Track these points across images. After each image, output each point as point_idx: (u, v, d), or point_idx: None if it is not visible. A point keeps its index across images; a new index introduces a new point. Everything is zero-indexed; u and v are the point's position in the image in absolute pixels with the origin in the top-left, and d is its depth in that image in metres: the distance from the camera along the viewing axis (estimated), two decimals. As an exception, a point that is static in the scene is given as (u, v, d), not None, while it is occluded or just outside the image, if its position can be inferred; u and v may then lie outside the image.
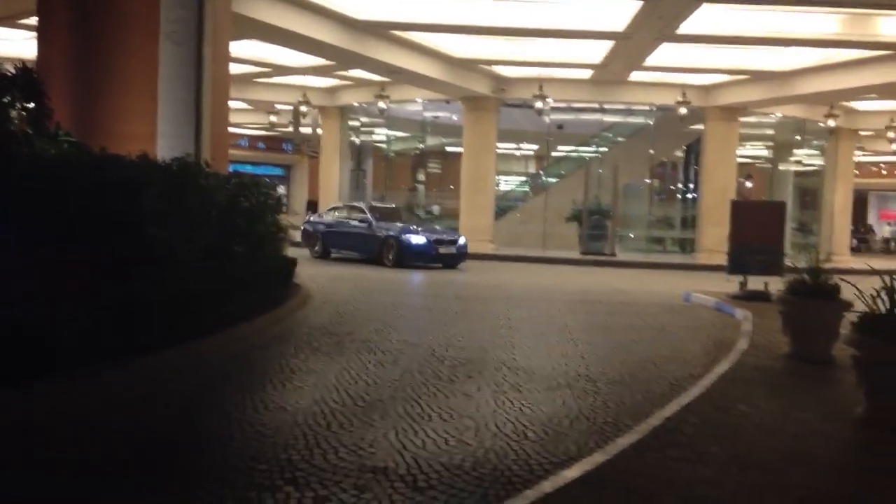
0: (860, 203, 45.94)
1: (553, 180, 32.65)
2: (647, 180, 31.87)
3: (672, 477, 5.13)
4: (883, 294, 6.86)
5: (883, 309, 6.83)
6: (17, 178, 6.40)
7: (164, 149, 10.88)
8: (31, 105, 8.07)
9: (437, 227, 23.08)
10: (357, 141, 33.61)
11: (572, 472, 5.11)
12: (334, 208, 24.07)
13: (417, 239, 20.72)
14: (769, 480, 5.17)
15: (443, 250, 20.83)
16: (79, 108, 10.87)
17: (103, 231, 7.13)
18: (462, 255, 21.48)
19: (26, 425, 5.69)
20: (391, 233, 20.87)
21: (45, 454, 5.21)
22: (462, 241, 21.78)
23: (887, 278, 6.86)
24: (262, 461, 5.18)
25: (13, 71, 8.05)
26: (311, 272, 16.09)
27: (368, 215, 21.88)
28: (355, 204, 23.67)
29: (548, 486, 4.86)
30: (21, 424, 5.67)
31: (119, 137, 10.05)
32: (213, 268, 8.86)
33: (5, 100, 7.71)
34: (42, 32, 12.05)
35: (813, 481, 5.21)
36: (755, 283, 14.49)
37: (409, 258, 20.34)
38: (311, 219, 24.39)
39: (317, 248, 23.03)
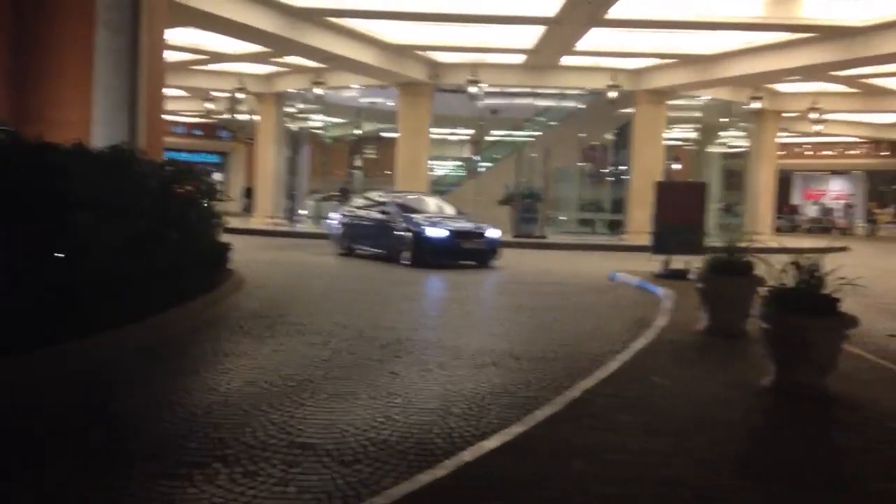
0: (785, 183, 47.34)
1: (487, 164, 33.01)
2: (579, 164, 32.42)
3: (583, 444, 5.46)
4: (790, 269, 7.29)
5: (791, 284, 7.26)
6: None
7: (100, 136, 10.87)
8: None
9: (461, 218, 19.22)
10: (294, 128, 33.50)
11: (491, 443, 5.40)
12: (358, 199, 21.68)
13: (436, 232, 17.47)
14: (675, 445, 5.53)
15: (467, 245, 17.65)
16: (13, 96, 10.81)
17: (29, 216, 7.18)
18: (491, 249, 18.04)
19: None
20: (405, 225, 17.83)
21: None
22: (492, 233, 18.24)
23: (797, 256, 7.29)
24: (193, 440, 5.36)
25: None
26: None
27: (387, 206, 19.05)
28: (376, 195, 20.93)
29: (467, 455, 5.14)
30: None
31: (54, 125, 10.04)
32: (143, 253, 8.93)
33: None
34: (-25, 20, 11.89)
35: (716, 445, 5.59)
36: (679, 262, 15.01)
37: (428, 255, 17.16)
38: (336, 212, 21.74)
39: (342, 244, 20.35)
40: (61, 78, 11.37)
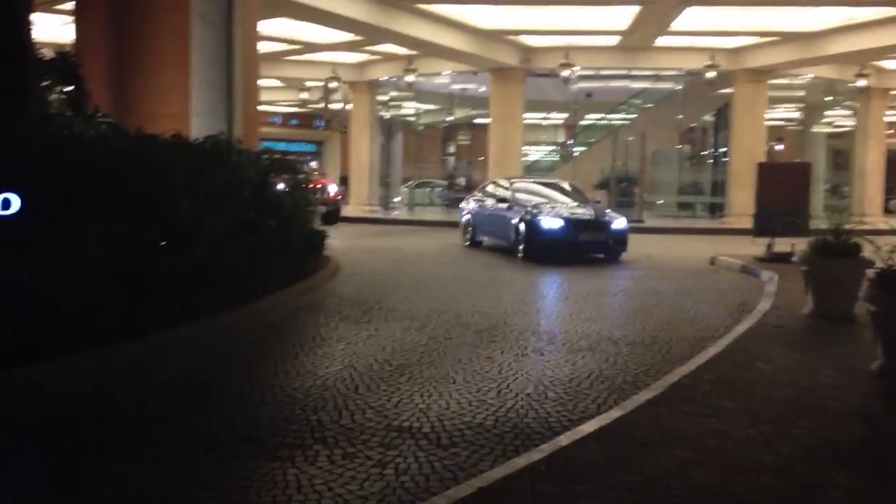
0: (894, 164, 45.28)
1: (581, 149, 32.62)
2: (677, 146, 31.72)
3: (683, 429, 5.35)
4: (899, 250, 6.97)
5: (899, 265, 6.94)
6: (57, 158, 6.69)
7: (198, 127, 11.19)
8: (69, 88, 8.41)
9: (587, 205, 16.79)
10: (386, 115, 33.79)
11: (588, 427, 5.34)
12: (487, 185, 19.92)
13: (550, 222, 15.27)
14: (779, 431, 5.36)
15: (586, 237, 15.33)
16: (115, 90, 11.23)
17: (135, 208, 7.45)
18: (620, 241, 15.68)
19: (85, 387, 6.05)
20: (520, 215, 15.83)
21: (97, 411, 5.56)
22: (619, 223, 15.78)
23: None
24: (293, 422, 5.48)
25: (52, 56, 8.40)
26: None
27: (509, 193, 17.34)
28: (506, 181, 19.04)
29: (564, 439, 5.10)
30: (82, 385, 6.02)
31: (154, 117, 10.38)
32: (243, 241, 9.17)
33: (44, 84, 8.05)
34: (79, 17, 12.40)
35: (823, 431, 5.38)
36: (783, 245, 14.53)
37: (540, 248, 15.19)
38: (466, 200, 20.24)
39: (467, 235, 18.70)
40: (159, 71, 11.74)
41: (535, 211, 15.63)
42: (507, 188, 17.83)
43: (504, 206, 16.81)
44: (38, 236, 6.31)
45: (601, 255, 15.62)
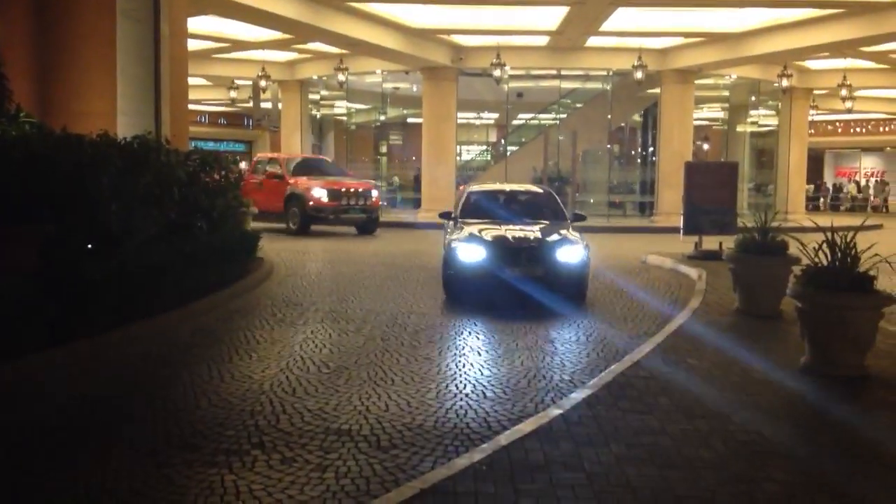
0: (817, 162, 46.69)
1: (513, 148, 32.85)
2: (607, 146, 32.17)
3: (621, 427, 5.42)
4: (825, 248, 7.16)
5: (825, 262, 7.13)
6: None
7: (125, 126, 10.92)
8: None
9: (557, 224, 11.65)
10: (317, 114, 33.51)
11: (527, 427, 5.37)
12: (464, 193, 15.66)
13: (466, 252, 10.26)
14: (714, 427, 5.47)
15: (517, 271, 10.11)
16: (39, 89, 10.89)
17: (61, 210, 7.23)
18: (572, 278, 10.38)
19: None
20: (449, 237, 11.05)
21: (25, 422, 5.37)
22: (569, 252, 10.30)
23: (831, 234, 7.15)
24: (230, 427, 5.38)
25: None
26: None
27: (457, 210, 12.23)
28: (473, 188, 14.16)
29: (503, 439, 5.11)
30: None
31: (80, 116, 10.10)
32: (173, 243, 8.97)
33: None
34: (0, 13, 11.96)
35: (756, 426, 5.51)
36: (711, 243, 14.85)
37: (454, 285, 10.73)
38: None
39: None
40: (85, 69, 11.43)
41: (457, 235, 10.69)
42: (464, 201, 12.33)
43: (449, 222, 11.90)
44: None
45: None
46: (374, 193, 21.30)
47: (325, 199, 19.88)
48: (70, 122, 8.55)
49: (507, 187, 13.53)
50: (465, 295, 10.33)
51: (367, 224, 21.15)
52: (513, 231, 10.63)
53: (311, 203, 19.85)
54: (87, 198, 7.54)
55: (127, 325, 7.64)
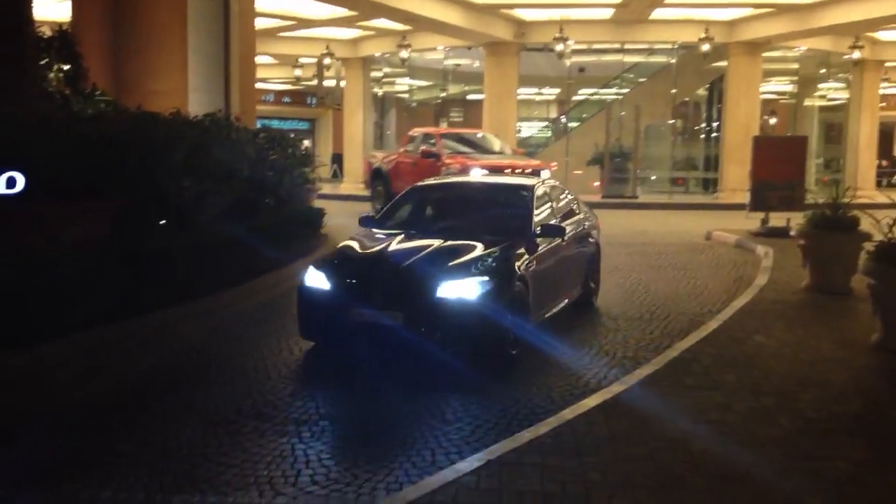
0: (887, 136, 45.28)
1: (574, 124, 32.55)
2: (670, 121, 31.69)
3: (686, 403, 5.40)
4: (898, 224, 7.01)
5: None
6: (58, 137, 6.66)
7: (196, 104, 11.13)
8: (67, 66, 8.37)
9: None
10: (379, 92, 33.64)
11: (591, 401, 5.39)
12: None
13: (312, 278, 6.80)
14: (781, 404, 5.42)
15: (364, 314, 6.48)
16: (113, 67, 11.16)
17: (134, 186, 7.42)
18: (455, 330, 6.35)
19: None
20: None
21: (103, 390, 5.59)
22: (453, 286, 6.36)
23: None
24: (299, 398, 5.52)
25: (50, 34, 8.34)
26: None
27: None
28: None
29: (568, 413, 5.15)
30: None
31: (152, 94, 10.35)
32: (242, 219, 9.16)
33: (42, 62, 8.00)
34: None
35: (824, 404, 5.45)
36: (778, 219, 14.58)
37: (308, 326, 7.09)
38: None
39: None
40: (158, 47, 11.65)
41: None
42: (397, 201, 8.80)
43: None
44: (41, 215, 6.29)
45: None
46: (545, 174, 17.21)
47: None
48: (143, 100, 8.77)
49: (469, 182, 9.94)
50: (329, 343, 6.75)
51: None
52: (406, 246, 7.03)
53: None
54: (160, 174, 7.73)
55: (196, 299, 7.83)
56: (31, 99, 7.23)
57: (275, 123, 40.23)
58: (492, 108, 26.89)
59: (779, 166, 14.65)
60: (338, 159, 34.64)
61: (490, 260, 6.59)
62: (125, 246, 7.05)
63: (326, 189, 23.24)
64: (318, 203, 14.83)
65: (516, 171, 16.86)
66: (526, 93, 33.48)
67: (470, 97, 36.03)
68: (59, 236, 6.31)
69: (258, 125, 15.11)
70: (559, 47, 24.33)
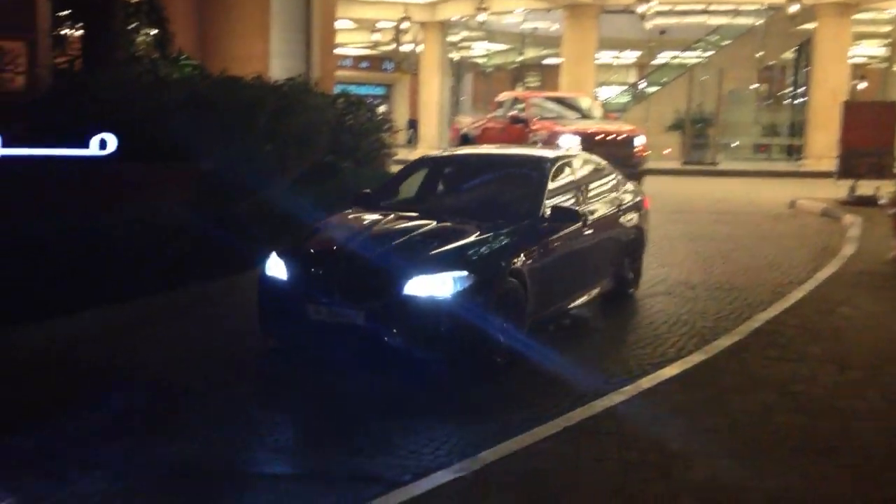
0: None
1: (654, 89, 31.93)
2: (754, 85, 30.81)
3: (769, 375, 5.31)
4: None
5: None
6: (144, 101, 6.85)
7: (277, 68, 11.27)
8: (154, 31, 8.56)
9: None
10: (456, 57, 33.52)
11: (670, 371, 5.34)
12: None
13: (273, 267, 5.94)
14: (869, 379, 5.28)
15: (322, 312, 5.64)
16: (198, 33, 11.34)
17: (220, 149, 7.58)
18: (417, 333, 5.54)
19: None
20: None
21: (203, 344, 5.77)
22: (422, 281, 5.44)
23: None
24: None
25: (137, -1, 8.57)
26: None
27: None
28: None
29: (645, 382, 5.11)
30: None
31: (236, 59, 10.50)
32: (323, 183, 9.28)
33: (130, 27, 8.20)
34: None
35: (915, 379, 5.30)
36: (866, 188, 14.10)
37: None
38: None
39: None
40: (241, 12, 11.79)
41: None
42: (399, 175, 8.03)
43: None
44: (132, 176, 6.49)
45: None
46: (640, 141, 16.48)
47: (573, 149, 14.96)
48: (226, 65, 8.92)
49: (479, 155, 8.37)
50: (287, 342, 5.98)
51: (630, 180, 17.19)
52: (388, 230, 6.07)
53: None
54: (244, 138, 7.87)
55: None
56: (121, 63, 7.42)
57: (352, 88, 40.44)
58: (570, 71, 26.56)
59: (869, 133, 14.14)
60: (413, 125, 34.70)
61: (477, 250, 5.65)
62: (209, 208, 7.22)
63: (402, 154, 23.31)
64: (394, 168, 14.90)
65: (608, 137, 15.91)
66: (605, 56, 32.93)
67: (547, 61, 35.63)
68: (149, 198, 6.49)
69: (336, 90, 15.22)
70: (641, 9, 23.87)
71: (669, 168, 24.87)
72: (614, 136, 16.11)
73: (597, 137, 15.64)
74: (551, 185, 6.51)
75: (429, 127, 31.37)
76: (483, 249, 5.65)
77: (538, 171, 6.76)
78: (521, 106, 17.63)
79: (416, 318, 5.27)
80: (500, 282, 5.52)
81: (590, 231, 6.62)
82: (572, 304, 6.53)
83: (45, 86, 7.31)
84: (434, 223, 6.05)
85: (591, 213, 6.75)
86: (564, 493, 3.75)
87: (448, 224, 6.05)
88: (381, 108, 34.29)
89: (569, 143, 15.14)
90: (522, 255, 5.76)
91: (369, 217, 6.34)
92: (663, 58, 33.06)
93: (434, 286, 5.25)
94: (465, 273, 5.31)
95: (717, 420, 4.54)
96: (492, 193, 6.92)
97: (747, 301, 7.44)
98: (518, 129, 16.71)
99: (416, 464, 3.99)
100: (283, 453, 4.34)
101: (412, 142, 36.41)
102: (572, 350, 5.88)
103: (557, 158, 7.07)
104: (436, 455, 4.11)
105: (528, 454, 4.06)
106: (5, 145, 5.99)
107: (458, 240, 5.74)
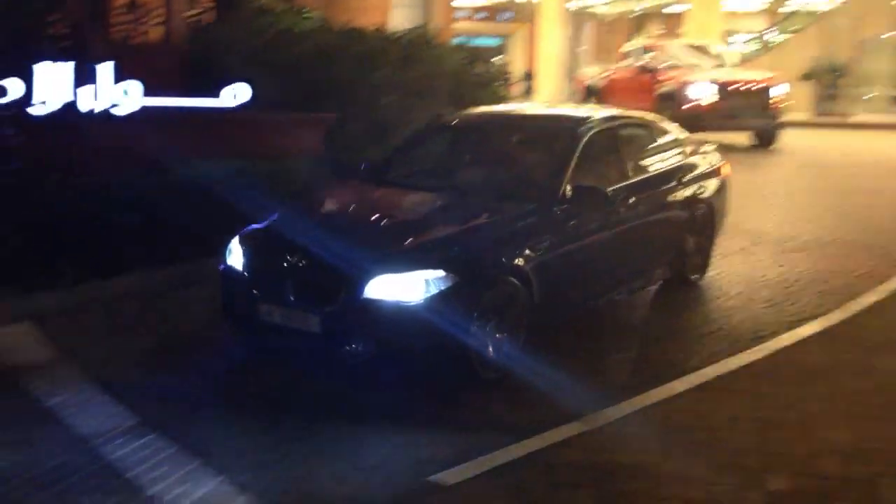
0: None
1: (783, 37, 30.52)
2: (891, 33, 29.05)
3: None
4: None
5: None
6: (272, 52, 6.98)
7: (398, 19, 11.27)
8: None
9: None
10: (573, 7, 32.83)
11: (808, 330, 5.13)
12: None
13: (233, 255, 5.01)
14: None
15: (277, 315, 4.62)
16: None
17: (343, 100, 7.69)
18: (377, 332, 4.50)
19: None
20: None
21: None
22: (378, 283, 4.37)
23: None
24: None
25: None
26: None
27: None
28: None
29: (786, 339, 4.94)
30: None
31: (357, 10, 10.55)
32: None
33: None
34: None
35: None
36: None
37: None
38: None
39: None
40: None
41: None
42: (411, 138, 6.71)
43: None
44: (264, 125, 6.66)
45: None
46: (778, 91, 15.30)
47: (705, 99, 14.83)
48: (348, 16, 8.99)
49: (500, 116, 6.79)
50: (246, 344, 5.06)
51: (767, 133, 15.25)
52: (368, 213, 5.19)
53: (685, 104, 14.73)
54: (366, 89, 7.94)
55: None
56: (250, 15, 7.56)
57: (469, 40, 40.29)
58: (695, 18, 25.70)
59: None
60: (529, 76, 34.29)
61: (464, 242, 4.62)
62: (335, 157, 7.34)
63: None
64: None
65: (744, 86, 15.04)
66: (731, 3, 31.62)
67: (668, 10, 34.48)
68: (281, 147, 6.65)
69: (454, 41, 15.13)
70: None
71: (800, 120, 23.83)
72: (751, 85, 15.11)
73: (731, 87, 14.83)
74: (580, 158, 5.23)
75: (547, 78, 30.97)
76: (472, 242, 4.62)
77: (565, 139, 5.48)
78: (650, 55, 16.84)
79: (379, 327, 4.26)
80: (492, 283, 4.48)
81: (632, 213, 5.46)
82: (602, 301, 5.43)
83: (181, 38, 7.55)
84: (425, 205, 5.19)
85: (637, 189, 5.55)
86: (704, 447, 3.66)
87: (441, 206, 5.10)
88: (499, 59, 34.16)
89: (701, 93, 14.68)
90: (527, 248, 4.65)
91: (351, 195, 5.53)
92: (794, 4, 31.52)
93: (401, 288, 4.23)
94: (440, 273, 4.25)
95: (861, 382, 4.35)
96: (507, 167, 5.71)
97: (886, 259, 7.05)
98: (647, 79, 16.03)
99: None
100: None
101: (528, 93, 36.07)
102: (697, 311, 5.69)
103: (596, 123, 5.73)
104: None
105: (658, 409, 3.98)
106: (146, 95, 6.21)
107: (443, 228, 4.76)
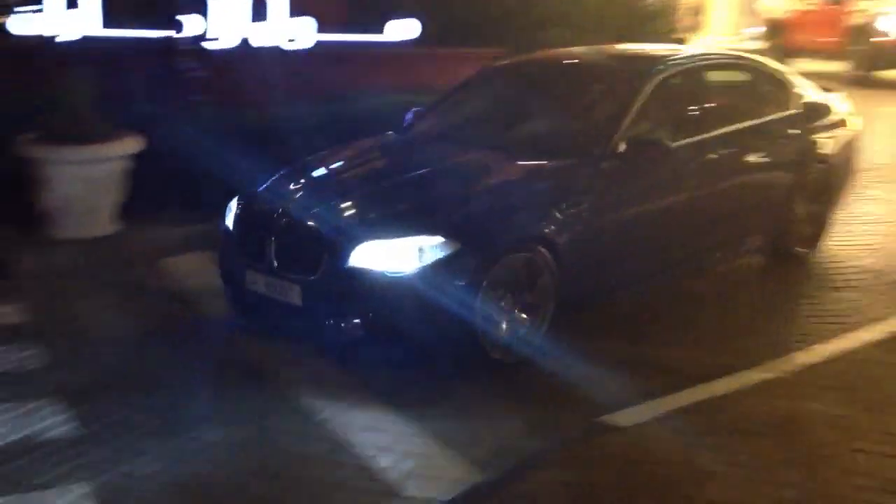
0: None
1: None
2: None
3: None
4: None
5: None
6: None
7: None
8: None
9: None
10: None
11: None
12: None
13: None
14: None
15: (260, 283, 4.18)
16: None
17: (501, 35, 7.65)
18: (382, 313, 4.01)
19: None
20: None
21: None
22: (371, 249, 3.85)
23: None
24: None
25: None
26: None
27: None
28: None
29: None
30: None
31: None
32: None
33: None
34: None
35: None
36: None
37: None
38: None
39: None
40: None
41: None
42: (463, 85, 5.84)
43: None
44: (434, 58, 6.72)
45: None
46: (890, 23, 13.88)
47: (894, 33, 13.50)
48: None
49: (559, 62, 5.59)
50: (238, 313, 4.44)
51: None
52: (371, 170, 4.84)
53: (875, 38, 13.39)
54: (527, 24, 7.90)
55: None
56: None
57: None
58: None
59: None
60: (697, 10, 32.69)
61: (475, 204, 4.03)
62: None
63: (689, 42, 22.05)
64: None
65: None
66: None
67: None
68: (450, 80, 6.70)
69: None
70: None
71: None
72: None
73: None
74: (644, 106, 4.50)
75: (720, 11, 29.34)
76: (485, 204, 4.01)
77: (627, 83, 4.69)
78: None
79: (365, 300, 3.73)
80: (506, 252, 3.87)
81: (710, 173, 4.73)
82: (657, 281, 4.73)
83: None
84: (444, 162, 4.46)
85: (720, 145, 4.78)
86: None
87: (462, 163, 4.43)
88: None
89: (891, 26, 13.45)
90: (558, 212, 4.01)
91: (370, 150, 4.98)
92: None
93: (391, 256, 3.69)
94: (439, 239, 3.70)
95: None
96: (554, 118, 4.92)
97: None
98: (835, 11, 14.64)
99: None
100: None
101: (695, 29, 34.47)
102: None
103: (671, 65, 4.91)
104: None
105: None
106: (319, 31, 6.37)
107: (455, 189, 4.16)
